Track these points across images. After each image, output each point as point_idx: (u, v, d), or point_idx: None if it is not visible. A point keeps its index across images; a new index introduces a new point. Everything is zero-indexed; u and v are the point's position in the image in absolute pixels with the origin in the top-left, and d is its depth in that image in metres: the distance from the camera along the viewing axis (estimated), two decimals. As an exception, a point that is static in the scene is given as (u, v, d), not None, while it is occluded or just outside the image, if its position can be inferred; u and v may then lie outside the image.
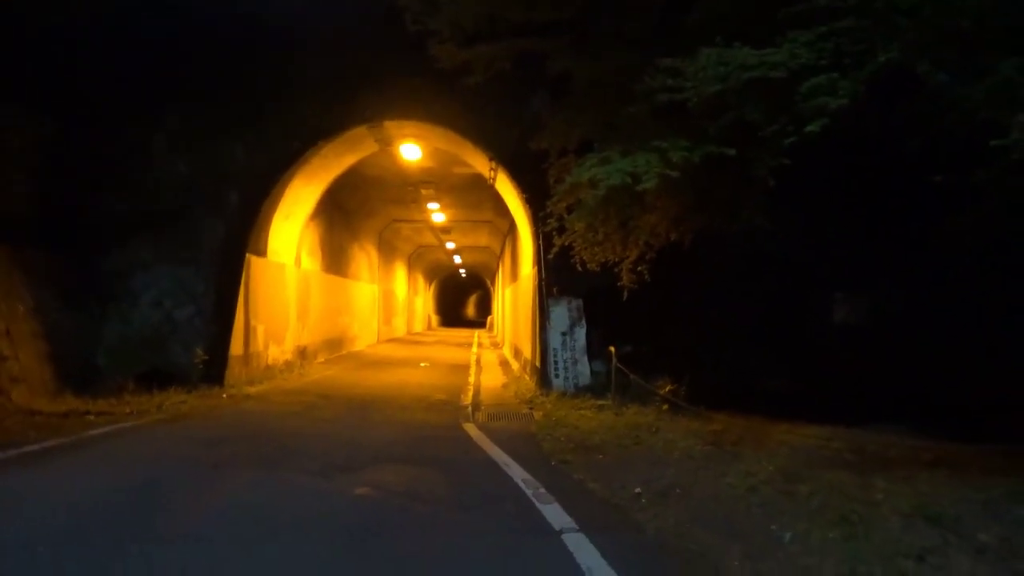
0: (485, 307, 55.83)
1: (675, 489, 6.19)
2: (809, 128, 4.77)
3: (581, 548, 4.59)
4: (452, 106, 12.54)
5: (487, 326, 43.06)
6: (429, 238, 31.20)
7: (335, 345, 21.12)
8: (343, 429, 9.06)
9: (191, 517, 5.13)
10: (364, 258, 25.67)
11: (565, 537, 4.81)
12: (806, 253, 11.08)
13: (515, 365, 18.52)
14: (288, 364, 15.79)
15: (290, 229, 15.60)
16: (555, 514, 5.32)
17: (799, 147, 5.48)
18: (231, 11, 11.70)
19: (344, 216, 21.26)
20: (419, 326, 43.20)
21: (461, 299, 66.99)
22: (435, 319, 52.96)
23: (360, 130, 13.58)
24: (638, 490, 6.14)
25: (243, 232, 12.95)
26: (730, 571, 4.38)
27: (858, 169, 8.01)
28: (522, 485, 6.22)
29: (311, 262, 18.23)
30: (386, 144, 14.93)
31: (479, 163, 14.38)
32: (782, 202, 7.81)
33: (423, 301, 46.78)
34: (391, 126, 13.73)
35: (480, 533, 4.99)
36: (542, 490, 6.04)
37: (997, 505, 5.22)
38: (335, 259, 20.85)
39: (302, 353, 17.28)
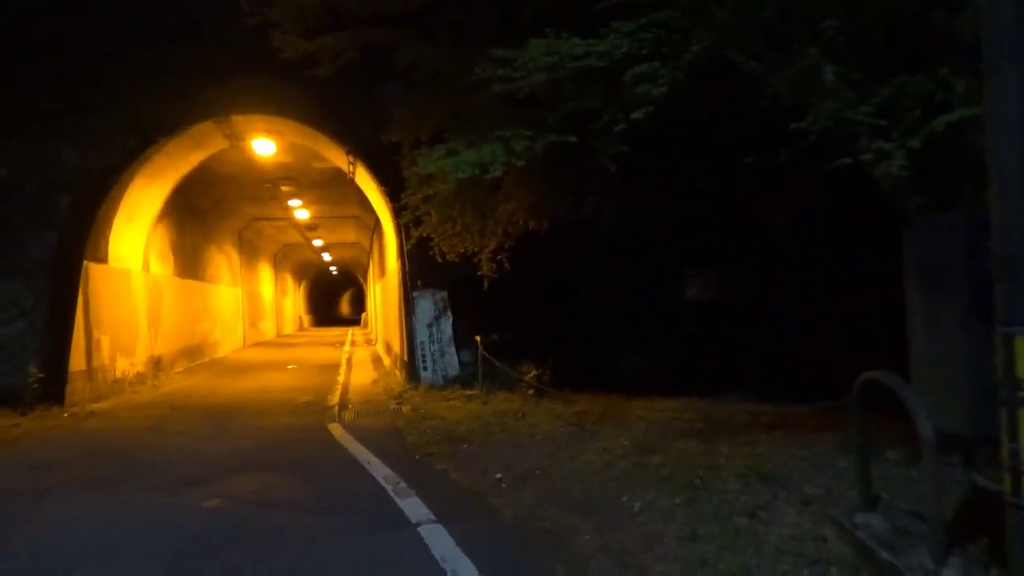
0: (360, 304, 54.76)
1: (535, 471, 6.32)
2: (635, 115, 4.97)
3: (437, 539, 4.59)
4: (304, 100, 12.12)
5: (362, 323, 42.26)
6: (294, 236, 30.15)
7: (195, 353, 20.04)
8: (196, 441, 8.58)
9: (8, 553, 4.68)
10: (223, 260, 24.47)
11: (422, 529, 4.79)
12: (657, 235, 11.60)
13: (387, 361, 18.29)
14: (140, 376, 14.80)
15: (134, 232, 14.60)
16: (413, 507, 5.29)
17: (635, 133, 5.71)
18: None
19: (197, 217, 20.16)
20: (290, 328, 41.76)
21: (334, 297, 65.38)
22: (307, 319, 51.41)
23: (206, 125, 12.90)
24: (499, 475, 6.22)
25: (78, 238, 11.98)
26: (581, 545, 4.51)
27: (690, 153, 8.47)
28: (382, 481, 6.15)
29: (162, 267, 17.17)
30: (237, 140, 14.26)
31: (338, 157, 14.04)
32: (627, 187, 8.14)
33: (292, 301, 45.25)
34: (240, 121, 13.13)
35: (335, 533, 4.87)
36: (403, 484, 5.99)
37: (823, 459, 5.68)
38: (189, 262, 19.74)
39: (156, 363, 16.26)
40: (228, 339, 24.65)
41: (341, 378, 15.47)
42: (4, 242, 11.32)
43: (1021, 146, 2.81)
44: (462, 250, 9.90)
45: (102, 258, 13.04)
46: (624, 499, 5.32)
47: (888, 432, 4.99)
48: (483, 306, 11.33)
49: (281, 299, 39.18)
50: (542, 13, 6.42)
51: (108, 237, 13.20)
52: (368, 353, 23.08)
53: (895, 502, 4.12)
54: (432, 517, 5.02)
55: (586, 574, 4.05)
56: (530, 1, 6.86)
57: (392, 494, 5.72)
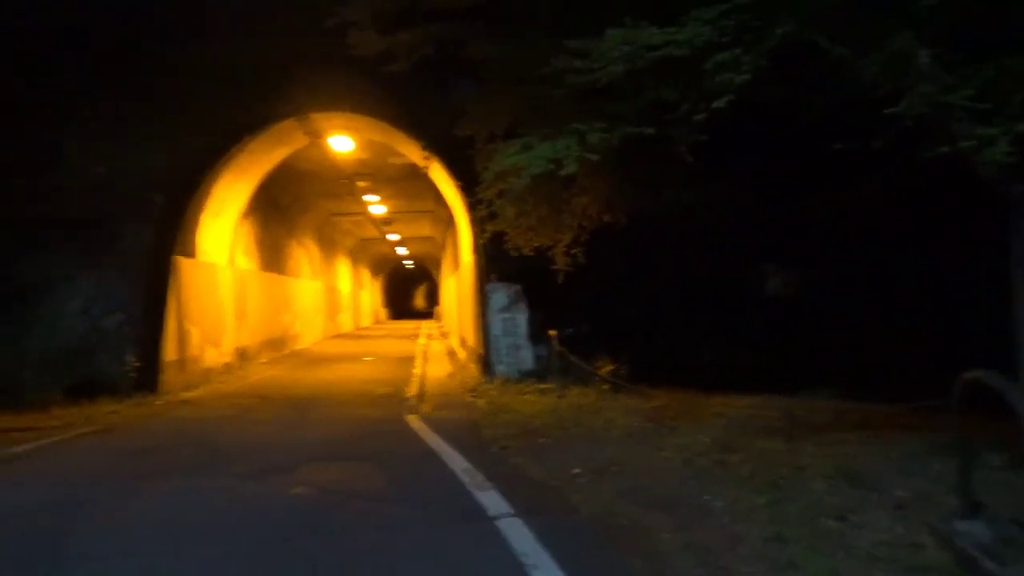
0: (433, 297, 55.55)
1: (612, 467, 6.27)
2: (716, 104, 4.84)
3: (515, 532, 4.59)
4: (380, 96, 12.34)
5: (435, 316, 42.87)
6: (371, 231, 30.82)
7: (277, 344, 20.74)
8: (281, 429, 8.90)
9: (106, 533, 4.94)
10: (304, 254, 25.22)
11: (500, 522, 4.81)
12: (735, 227, 11.30)
13: (462, 354, 18.49)
14: (227, 366, 15.43)
15: (221, 228, 15.20)
16: (491, 500, 5.32)
17: (713, 123, 5.57)
18: (144, 5, 11.26)
19: (279, 212, 20.84)
20: (366, 320, 42.75)
21: (409, 290, 66.54)
22: (383, 312, 52.50)
23: (287, 123, 13.30)
24: (576, 470, 6.19)
25: (169, 234, 12.56)
26: (661, 543, 4.44)
27: (770, 142, 8.20)
28: (460, 474, 6.21)
29: (247, 261, 17.82)
30: (316, 137, 14.66)
31: (413, 153, 14.23)
32: (704, 178, 7.95)
33: (369, 295, 46.29)
34: (319, 118, 13.48)
35: (415, 524, 4.96)
36: (480, 477, 6.04)
37: (915, 461, 5.43)
38: (272, 257, 20.44)
39: (242, 354, 16.92)
40: (308, 331, 25.42)
41: (417, 371, 15.73)
42: (103, 238, 11.97)
43: None
44: (537, 244, 9.90)
45: (191, 253, 13.63)
46: (705, 497, 5.22)
47: (988, 434, 4.72)
48: (557, 299, 11.31)
49: (358, 292, 40.13)
50: (617, 1, 6.32)
51: (196, 233, 13.79)
52: (443, 346, 23.40)
53: (998, 509, 3.88)
54: (510, 511, 5.04)
55: (668, 572, 3.98)
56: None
57: (470, 486, 5.78)
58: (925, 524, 4.06)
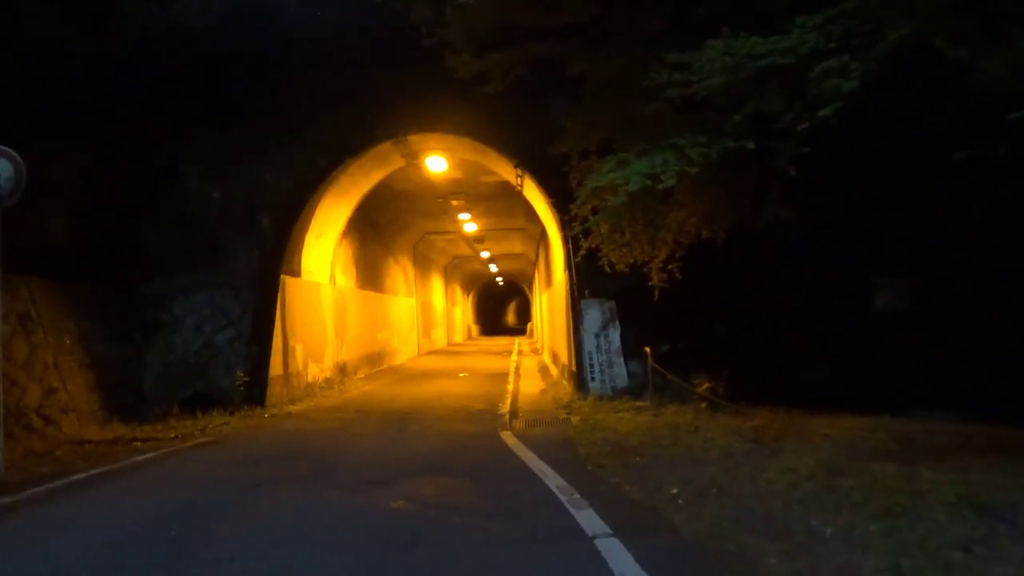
0: (525, 314, 55.83)
1: (712, 488, 6.08)
2: (823, 113, 4.67)
3: (615, 553, 4.52)
4: (473, 116, 12.59)
5: (527, 333, 43.03)
6: (463, 248, 31.35)
7: (375, 360, 21.32)
8: (380, 443, 9.13)
9: (229, 537, 5.22)
10: (399, 272, 25.89)
11: (598, 542, 4.75)
12: (842, 240, 10.82)
13: (554, 370, 18.46)
14: (328, 381, 15.98)
15: (323, 248, 15.82)
16: (589, 519, 5.27)
17: (819, 133, 5.38)
18: (253, 33, 11.90)
19: (376, 232, 21.49)
20: (459, 336, 43.38)
21: (500, 307, 67.11)
22: (475, 328, 53.13)
23: (385, 145, 13.73)
24: (675, 491, 6.05)
25: (276, 254, 13.17)
26: (768, 570, 4.27)
27: (879, 151, 7.82)
28: (557, 492, 6.18)
29: (346, 279, 18.45)
30: (412, 158, 15.07)
31: (505, 171, 14.42)
32: (809, 190, 7.66)
33: (462, 311, 46.98)
34: (415, 140, 13.86)
35: (514, 541, 4.96)
36: (576, 495, 5.99)
37: (1049, 489, 5.03)
38: (370, 275, 21.07)
39: (342, 370, 17.48)
40: (404, 347, 26.01)
41: (510, 387, 15.81)
42: (217, 258, 12.69)
43: None
44: (631, 260, 9.80)
45: (296, 272, 14.24)
46: (813, 523, 4.98)
47: None
48: (652, 316, 11.13)
49: (451, 309, 40.80)
50: (716, 13, 6.22)
51: (301, 252, 14.40)
52: (535, 362, 23.43)
53: None
54: (608, 531, 4.97)
55: (776, 602, 3.83)
56: (701, 2, 6.68)
57: (567, 504, 5.74)
58: (1065, 560, 3.73)
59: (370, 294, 21.09)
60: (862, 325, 11.48)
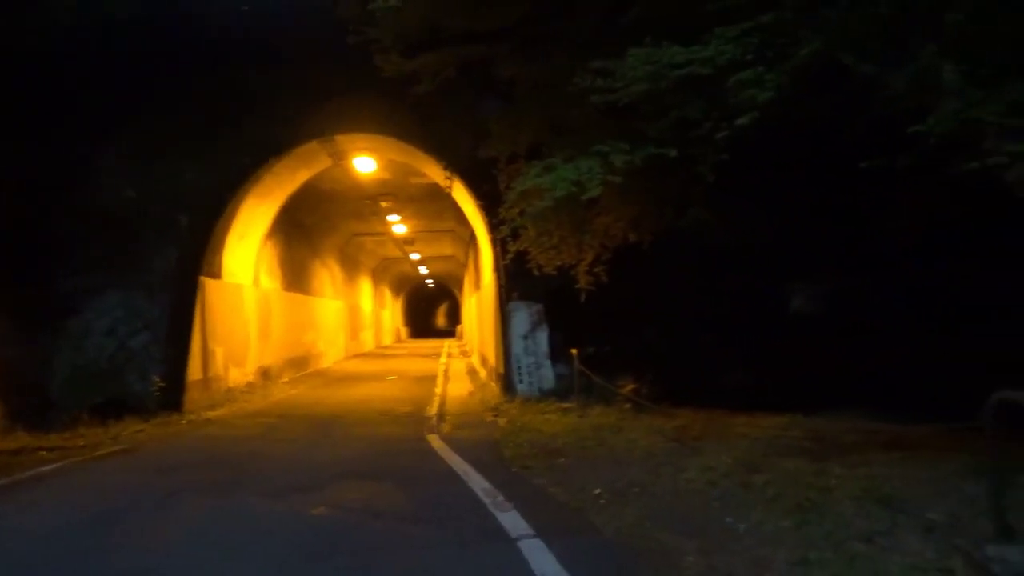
0: (455, 316, 55.65)
1: (634, 488, 6.20)
2: (740, 121, 4.83)
3: (537, 555, 4.55)
4: (403, 117, 12.46)
5: (456, 335, 42.91)
6: (393, 250, 31.03)
7: (300, 363, 20.87)
8: (303, 449, 8.92)
9: (140, 550, 5.00)
10: (326, 274, 25.43)
11: (522, 544, 4.77)
12: (760, 246, 11.20)
13: (483, 373, 18.46)
14: (250, 386, 15.54)
15: (246, 249, 15.38)
16: (513, 521, 5.28)
17: (738, 142, 5.55)
18: (177, 26, 11.51)
19: (303, 233, 21.05)
20: (388, 339, 42.90)
21: (430, 310, 66.71)
22: (404, 331, 52.66)
23: (311, 145, 13.47)
24: (598, 491, 6.13)
25: (196, 254, 12.73)
26: (685, 567, 4.37)
27: (795, 161, 8.15)
28: (481, 494, 6.18)
29: (270, 281, 18.00)
30: (339, 158, 14.82)
31: (435, 172, 14.34)
32: (729, 197, 7.90)
33: (391, 314, 46.48)
34: (343, 140, 13.64)
35: (437, 545, 4.92)
36: (501, 498, 6.00)
37: (947, 483, 5.31)
38: (296, 277, 20.62)
39: (265, 374, 17.03)
40: (331, 350, 25.55)
41: (438, 390, 15.73)
42: (131, 258, 12.17)
43: None
44: (559, 263, 9.90)
45: (216, 273, 13.80)
46: (729, 519, 5.14)
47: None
48: (579, 318, 11.25)
49: (380, 311, 40.32)
50: (642, 20, 6.35)
51: (222, 253, 13.96)
52: (464, 365, 23.39)
53: (1035, 533, 3.78)
54: (532, 532, 4.99)
55: (692, 597, 3.92)
56: (630, 9, 6.79)
57: (491, 507, 5.74)
58: (956, 548, 3.96)
59: (296, 296, 20.63)
60: (779, 328, 11.91)
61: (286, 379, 18.65)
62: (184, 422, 11.32)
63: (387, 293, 43.87)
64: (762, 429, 8.58)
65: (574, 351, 11.09)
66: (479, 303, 20.95)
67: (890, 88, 4.80)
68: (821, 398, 9.71)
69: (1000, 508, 3.81)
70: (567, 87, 6.49)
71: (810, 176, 8.78)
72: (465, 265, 29.20)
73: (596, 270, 9.93)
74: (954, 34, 4.29)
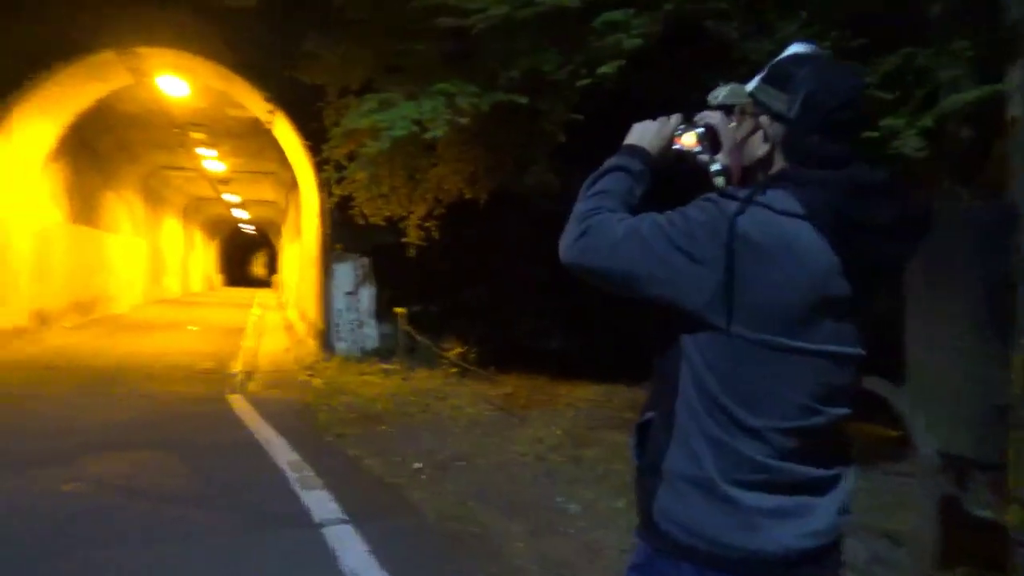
0: (274, 266, 52.66)
1: (459, 461, 5.76)
2: (603, 69, 4.38)
3: (346, 544, 3.93)
4: (221, 35, 10.93)
5: (274, 286, 40.51)
6: (206, 189, 28.34)
7: (87, 307, 18.42)
8: (67, 410, 7.44)
9: None
10: (125, 209, 22.65)
11: (327, 531, 4.12)
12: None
13: (300, 328, 17.28)
14: (19, 331, 13.35)
15: (21, 171, 13.07)
16: (319, 502, 4.60)
17: (588, 105, 5.18)
18: None
19: (96, 159, 18.45)
20: (197, 286, 39.60)
21: (247, 257, 62.72)
22: (218, 278, 49.06)
23: (107, 55, 11.55)
24: (419, 465, 5.61)
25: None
26: (514, 554, 3.96)
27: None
28: (285, 468, 5.41)
29: (53, 211, 15.56)
30: (142, 75, 12.91)
31: (256, 105, 12.90)
32: (574, 163, 7.58)
33: (203, 259, 42.95)
34: (147, 54, 11.83)
35: (217, 533, 4.12)
36: (308, 472, 5.28)
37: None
38: (85, 208, 18.06)
39: (41, 317, 14.76)
40: (126, 294, 22.91)
41: (248, 343, 14.45)
42: None
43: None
44: (388, 214, 9.21)
45: (-23, 196, 11.57)
46: (559, 499, 4.83)
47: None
48: (406, 276, 10.66)
49: (189, 255, 37.05)
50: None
51: (-15, 172, 11.72)
52: (280, 318, 21.93)
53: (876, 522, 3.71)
54: (342, 516, 4.34)
55: (521, 594, 3.51)
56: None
57: (295, 484, 5.01)
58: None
59: (85, 230, 18.09)
60: (603, 297, 12.01)
61: (68, 324, 16.33)
62: (-80, 372, 9.37)
63: (199, 237, 40.37)
64: (585, 399, 8.52)
65: (400, 310, 10.47)
66: (300, 253, 19.57)
67: (752, 55, 4.56)
68: (640, 368, 9.85)
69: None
70: (411, 17, 5.75)
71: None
72: (286, 211, 27.33)
73: (427, 224, 9.35)
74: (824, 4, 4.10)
